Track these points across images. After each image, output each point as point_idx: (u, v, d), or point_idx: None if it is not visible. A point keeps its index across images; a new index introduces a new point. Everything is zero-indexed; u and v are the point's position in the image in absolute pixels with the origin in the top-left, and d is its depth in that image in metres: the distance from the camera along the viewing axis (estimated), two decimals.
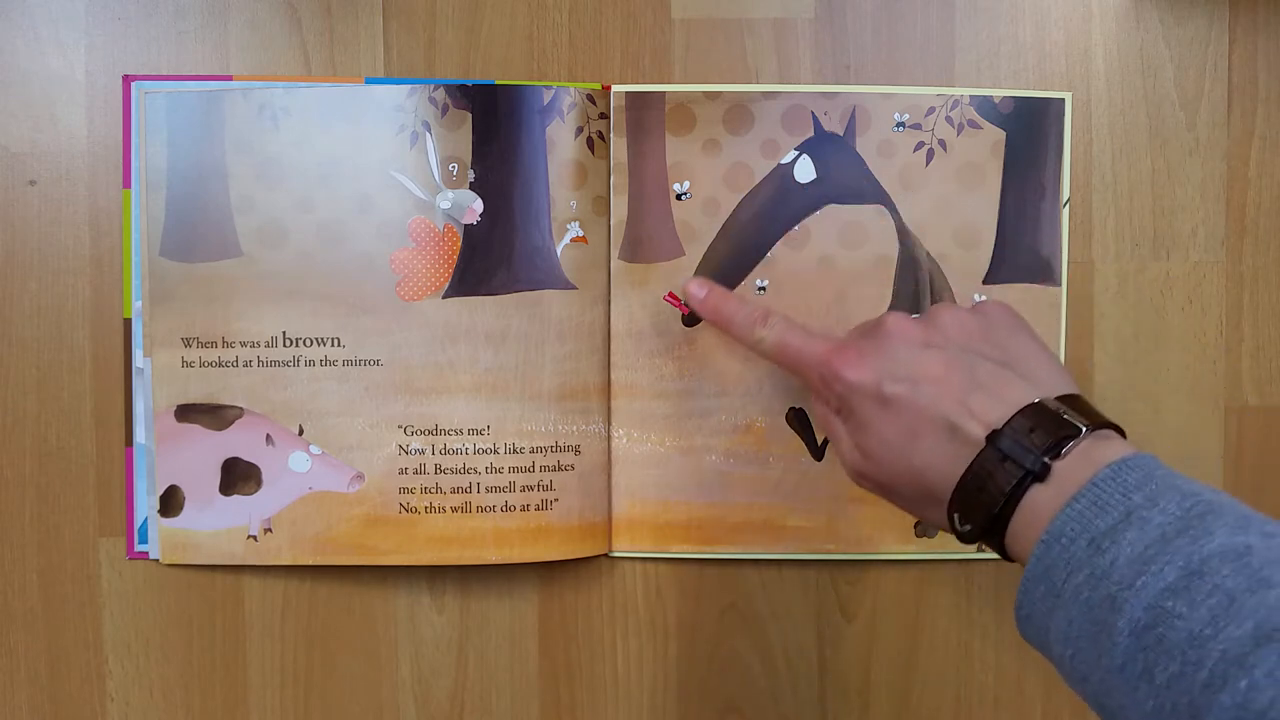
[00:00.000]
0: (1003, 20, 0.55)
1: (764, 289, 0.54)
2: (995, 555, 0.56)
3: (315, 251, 0.52)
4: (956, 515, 0.39)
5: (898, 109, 0.54)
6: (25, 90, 0.53)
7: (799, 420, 0.54)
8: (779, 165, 0.54)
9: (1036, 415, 0.38)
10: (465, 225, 0.52)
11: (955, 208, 0.54)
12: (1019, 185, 0.54)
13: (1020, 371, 0.40)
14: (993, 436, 0.38)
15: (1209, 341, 0.55)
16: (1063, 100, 0.54)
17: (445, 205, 0.52)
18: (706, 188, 0.54)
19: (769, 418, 0.54)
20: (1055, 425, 0.37)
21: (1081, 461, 0.37)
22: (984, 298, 0.54)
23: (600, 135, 0.53)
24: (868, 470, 0.42)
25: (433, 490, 0.53)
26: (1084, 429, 0.37)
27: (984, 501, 0.38)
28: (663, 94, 0.54)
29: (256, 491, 0.53)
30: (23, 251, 0.53)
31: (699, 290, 0.50)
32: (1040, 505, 0.37)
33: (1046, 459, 0.37)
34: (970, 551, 0.55)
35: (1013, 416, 0.38)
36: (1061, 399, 0.39)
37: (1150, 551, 0.33)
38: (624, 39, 0.54)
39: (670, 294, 0.54)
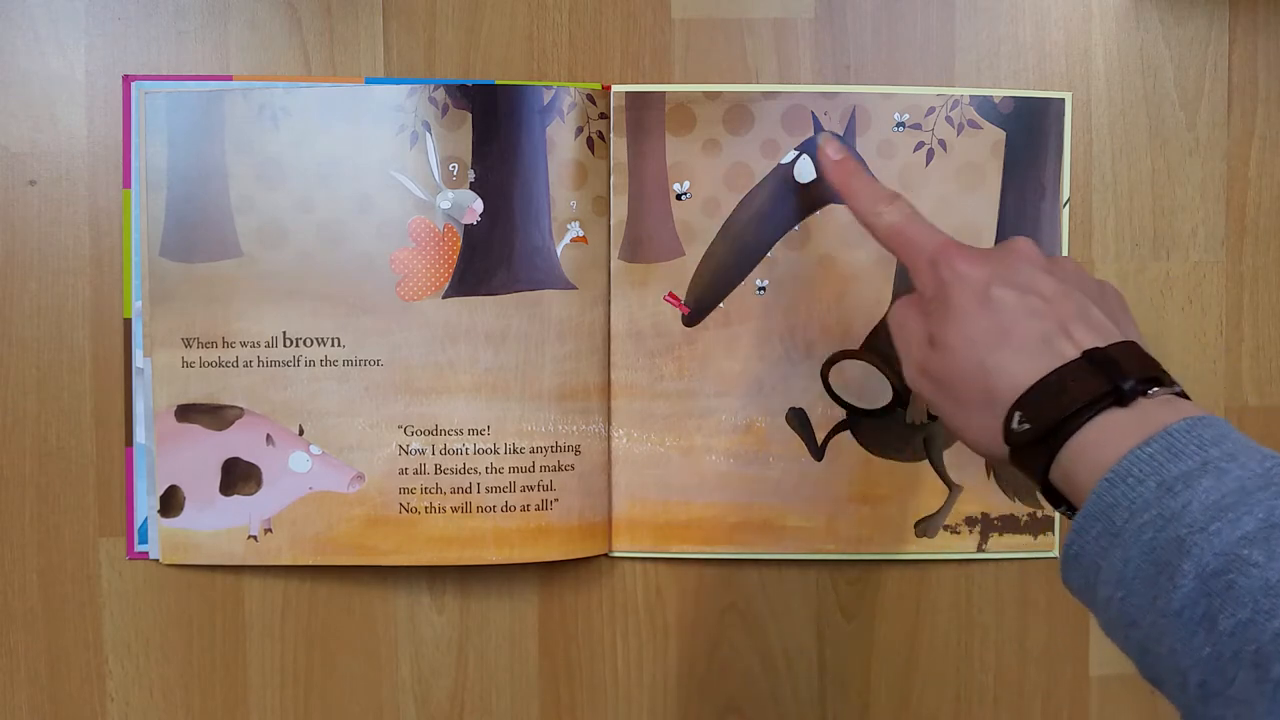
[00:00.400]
0: (1003, 20, 0.55)
1: (764, 289, 0.54)
2: (997, 556, 0.56)
3: (315, 251, 0.52)
4: (1019, 414, 0.38)
5: (898, 109, 0.54)
6: (25, 90, 0.53)
7: (799, 420, 0.54)
8: (779, 165, 0.54)
9: (1135, 351, 0.38)
10: (465, 225, 0.52)
11: (955, 208, 0.54)
12: (1019, 185, 0.54)
13: (1123, 332, 0.39)
14: (1091, 352, 0.37)
15: (1209, 341, 0.55)
16: (1063, 100, 0.54)
17: (445, 205, 0.52)
18: (706, 188, 0.54)
19: (769, 418, 0.54)
20: (1150, 366, 0.37)
21: (1164, 407, 0.36)
22: None
23: (600, 135, 0.53)
24: (931, 362, 0.41)
25: (433, 490, 0.53)
26: (1176, 385, 0.37)
27: (1060, 403, 0.37)
28: (663, 94, 0.54)
29: (257, 492, 0.53)
30: (23, 251, 0.53)
31: (835, 153, 0.47)
32: (1110, 431, 0.36)
33: (1139, 386, 0.36)
34: (970, 551, 0.55)
35: (1116, 343, 0.38)
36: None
37: (1228, 500, 0.32)
38: (624, 39, 0.54)
39: (670, 294, 0.54)
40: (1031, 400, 0.37)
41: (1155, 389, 0.36)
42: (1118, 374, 0.36)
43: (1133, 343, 0.38)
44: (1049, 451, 0.37)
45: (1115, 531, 0.34)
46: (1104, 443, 0.36)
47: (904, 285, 0.54)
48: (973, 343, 0.39)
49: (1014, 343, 0.38)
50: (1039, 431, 0.37)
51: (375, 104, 0.52)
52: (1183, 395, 0.37)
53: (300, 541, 0.53)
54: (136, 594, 0.54)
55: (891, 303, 0.54)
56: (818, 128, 0.54)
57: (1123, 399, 0.36)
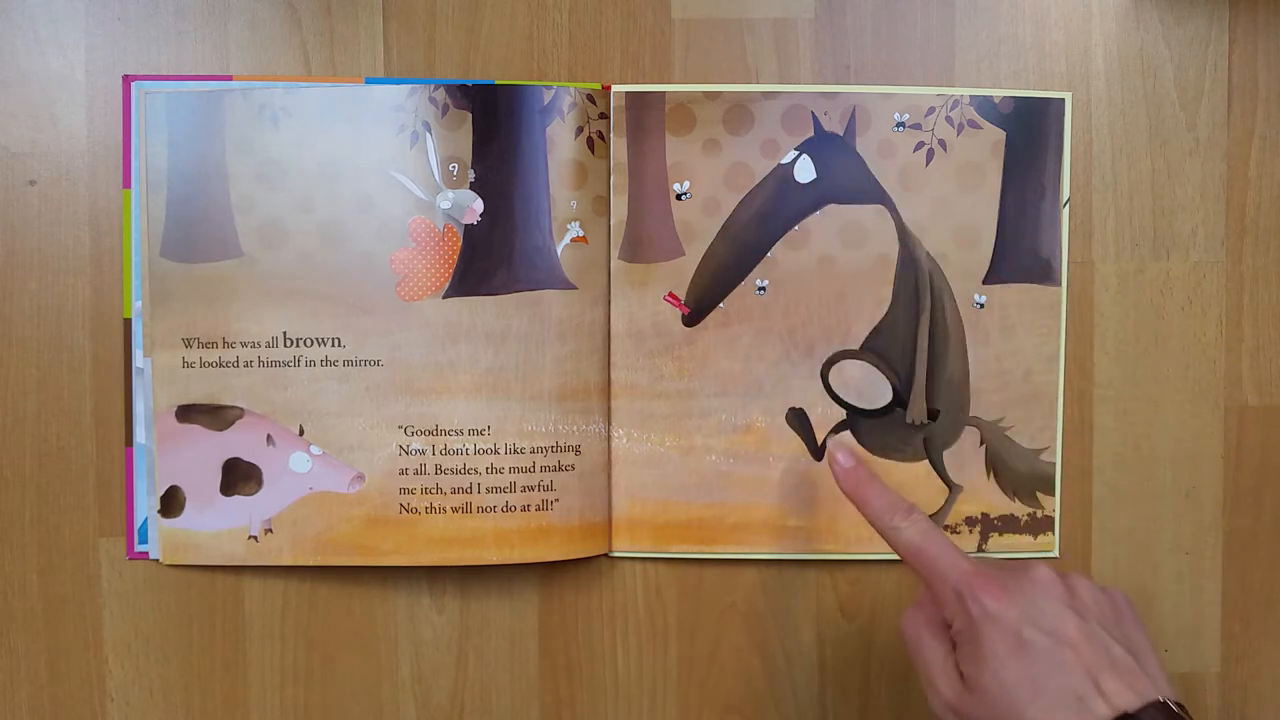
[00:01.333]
0: (1003, 20, 0.55)
1: (764, 289, 0.54)
2: (997, 555, 0.56)
3: (315, 251, 0.52)
4: None
5: (898, 109, 0.54)
6: (25, 90, 0.53)
7: (799, 420, 0.54)
8: (779, 165, 0.54)
9: (1164, 714, 0.39)
10: (465, 225, 0.52)
11: (955, 208, 0.54)
12: (1019, 185, 0.54)
13: (1142, 665, 0.41)
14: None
15: (1209, 341, 0.55)
16: (1063, 100, 0.54)
17: (445, 205, 0.52)
18: (706, 188, 0.54)
19: (769, 418, 0.54)
20: None
21: None
22: (984, 298, 0.54)
23: (600, 135, 0.53)
24: (963, 703, 0.42)
25: (433, 491, 0.53)
26: None
27: None
28: (663, 94, 0.54)
29: (257, 492, 0.53)
30: (23, 251, 0.53)
31: (846, 460, 0.48)
32: None
33: None
34: (970, 551, 0.55)
35: (1145, 707, 0.39)
36: (1178, 705, 0.40)
37: None
38: (624, 39, 0.54)
39: (670, 294, 0.54)
40: None
41: None
42: None
43: (1159, 703, 0.39)
44: None
45: None
46: None
47: (904, 285, 0.54)
48: (1007, 691, 0.40)
49: (1046, 700, 0.39)
50: None
51: (375, 104, 0.52)
52: None
53: (301, 542, 0.53)
54: (136, 594, 0.54)
55: (891, 304, 0.54)
56: (818, 128, 0.54)
57: None
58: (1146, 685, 0.40)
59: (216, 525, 0.53)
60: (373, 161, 0.52)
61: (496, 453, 0.53)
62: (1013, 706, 0.40)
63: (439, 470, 0.53)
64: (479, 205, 0.52)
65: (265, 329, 0.53)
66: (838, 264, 0.54)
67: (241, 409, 0.53)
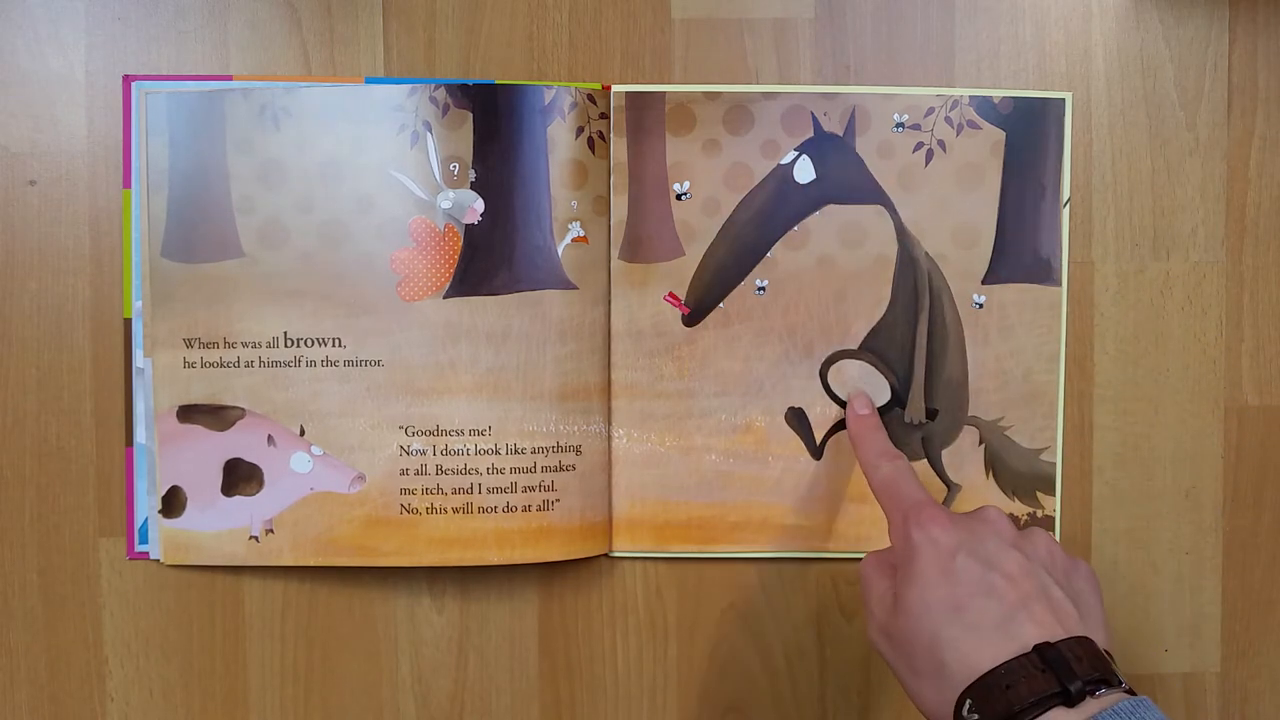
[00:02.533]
0: (1003, 20, 0.55)
1: (764, 289, 0.54)
2: None
3: (316, 252, 0.52)
4: (969, 702, 0.39)
5: (897, 109, 0.54)
6: (25, 90, 0.53)
7: (799, 420, 0.54)
8: (779, 165, 0.54)
9: (1087, 649, 0.39)
10: (466, 225, 0.52)
11: (955, 208, 0.54)
12: (1019, 185, 0.54)
13: (1084, 618, 0.41)
14: (1043, 647, 0.38)
15: (1209, 341, 0.55)
16: (1063, 100, 0.54)
17: (446, 205, 0.52)
18: (706, 188, 0.54)
19: (769, 418, 0.54)
20: (1100, 667, 0.38)
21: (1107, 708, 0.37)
22: (984, 298, 0.54)
23: (600, 135, 0.53)
24: (892, 625, 0.42)
25: (434, 491, 0.53)
26: (1122, 683, 0.38)
27: (1009, 699, 0.37)
28: (663, 94, 0.54)
29: (258, 492, 0.53)
30: (23, 251, 0.53)
31: (862, 408, 0.52)
32: None
33: (1086, 688, 0.37)
34: None
35: (1068, 639, 0.39)
36: (1107, 653, 0.40)
37: None
38: (624, 39, 0.54)
39: (670, 294, 0.54)
40: (981, 690, 0.38)
41: (1103, 690, 0.38)
42: (1067, 674, 0.37)
43: (1086, 639, 0.39)
44: None
45: None
46: None
47: (904, 285, 0.54)
48: (929, 610, 0.40)
49: (968, 619, 0.40)
50: None
51: (376, 104, 0.52)
52: (1130, 692, 0.38)
53: (301, 542, 0.53)
54: (136, 594, 0.54)
55: (890, 304, 0.54)
56: (818, 128, 0.54)
57: (1069, 700, 0.37)
58: (1075, 625, 0.39)
59: (217, 525, 0.53)
60: (373, 161, 0.52)
61: (497, 453, 0.53)
62: (931, 624, 0.40)
63: (440, 470, 0.53)
64: (480, 205, 0.52)
65: (266, 329, 0.53)
66: (837, 264, 0.54)
67: (242, 409, 0.53)
